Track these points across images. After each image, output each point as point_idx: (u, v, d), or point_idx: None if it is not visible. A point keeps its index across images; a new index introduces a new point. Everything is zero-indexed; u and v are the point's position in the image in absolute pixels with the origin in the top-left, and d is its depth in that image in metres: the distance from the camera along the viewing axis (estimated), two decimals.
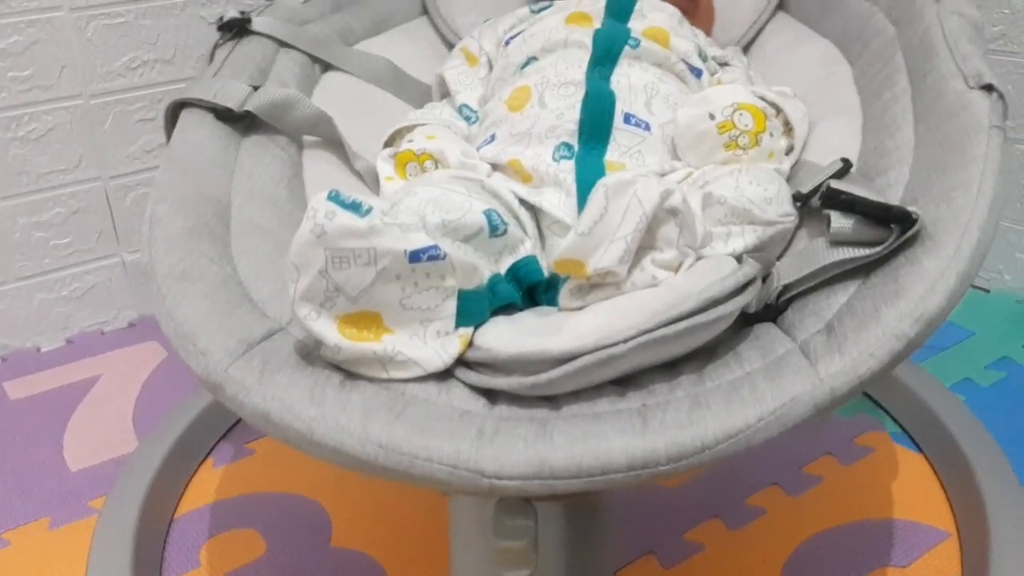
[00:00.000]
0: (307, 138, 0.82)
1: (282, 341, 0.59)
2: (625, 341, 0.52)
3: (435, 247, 0.55)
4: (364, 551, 0.90)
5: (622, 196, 0.56)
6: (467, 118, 0.89)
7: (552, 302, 0.68)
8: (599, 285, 0.58)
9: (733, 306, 0.54)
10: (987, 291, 1.32)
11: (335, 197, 0.54)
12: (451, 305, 0.57)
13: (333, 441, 0.51)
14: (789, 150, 0.77)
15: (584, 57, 0.81)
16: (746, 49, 1.01)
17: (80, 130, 1.22)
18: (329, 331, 0.54)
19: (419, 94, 0.97)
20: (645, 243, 0.57)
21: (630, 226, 0.56)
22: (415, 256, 0.54)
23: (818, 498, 0.94)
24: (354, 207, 0.54)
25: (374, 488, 0.96)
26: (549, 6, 0.94)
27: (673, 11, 0.90)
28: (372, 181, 0.82)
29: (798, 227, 0.69)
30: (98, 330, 1.30)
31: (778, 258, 0.67)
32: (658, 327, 0.52)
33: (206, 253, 0.65)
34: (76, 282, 1.27)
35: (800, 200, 0.68)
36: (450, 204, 0.63)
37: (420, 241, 0.54)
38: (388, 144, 0.84)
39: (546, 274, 0.69)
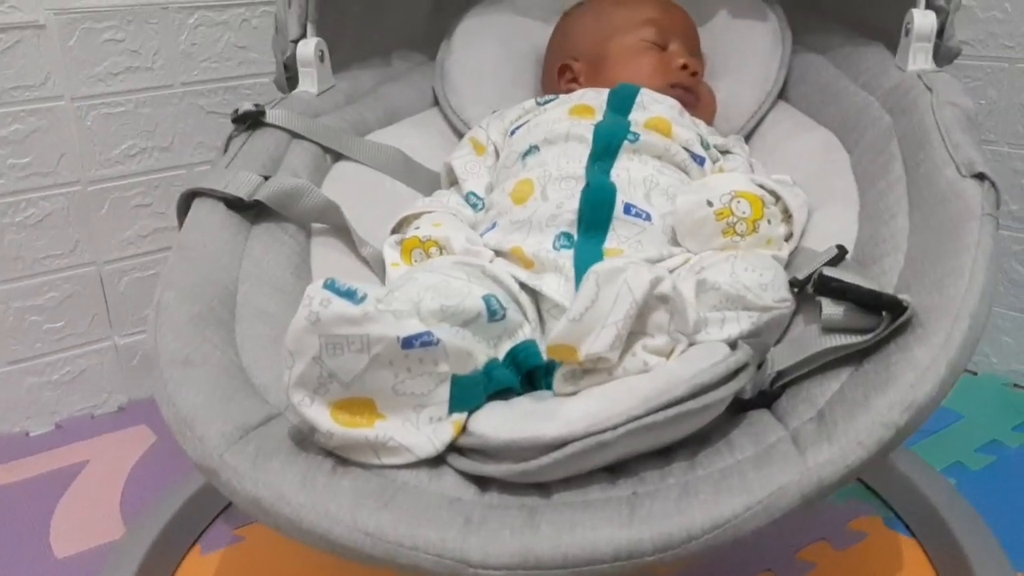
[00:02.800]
0: (315, 225, 0.84)
1: (278, 427, 0.59)
2: (615, 428, 0.52)
3: (428, 333, 0.56)
4: None
5: (613, 283, 0.57)
6: (473, 205, 0.91)
7: (552, 386, 0.69)
8: (592, 371, 0.58)
9: (724, 392, 0.54)
10: (975, 374, 1.32)
11: (331, 285, 0.55)
12: (444, 391, 0.58)
13: (321, 529, 0.51)
14: (788, 237, 0.78)
15: (584, 151, 0.83)
16: (748, 137, 1.03)
17: (77, 216, 1.24)
18: (322, 417, 0.55)
19: (428, 182, 0.99)
20: (637, 329, 0.58)
21: (620, 312, 0.56)
22: (408, 342, 0.55)
23: None
24: (349, 294, 0.55)
25: None
26: (554, 99, 0.96)
27: (673, 103, 0.92)
28: (379, 267, 0.83)
29: (795, 313, 0.69)
30: (88, 414, 1.30)
31: (776, 343, 0.68)
32: (648, 413, 0.52)
33: (210, 339, 0.66)
34: (67, 366, 1.28)
35: (797, 286, 0.69)
36: (449, 290, 0.64)
37: (413, 327, 0.56)
38: (395, 230, 0.86)
39: (545, 358, 0.69)
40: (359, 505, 0.51)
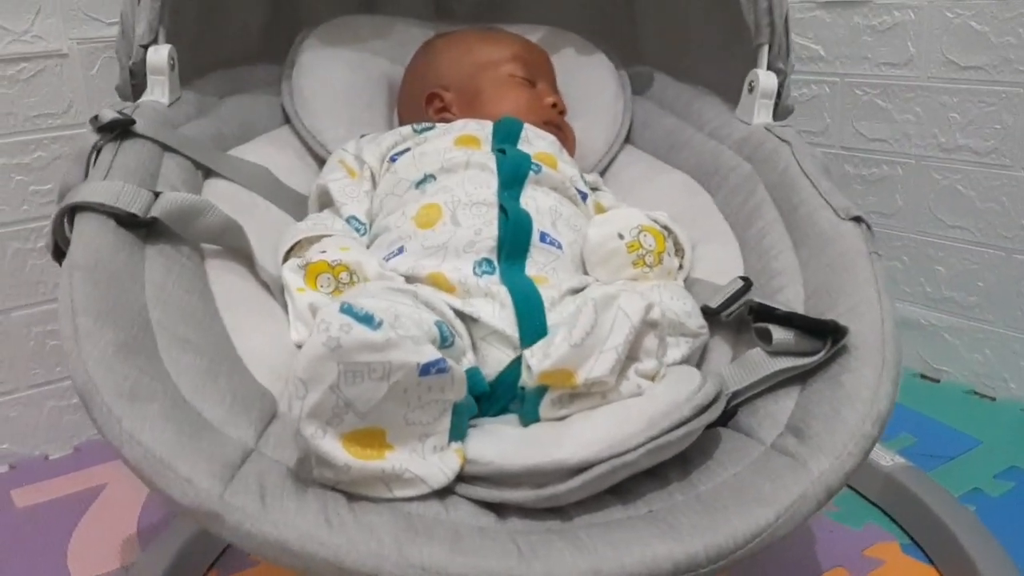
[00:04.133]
0: (206, 247, 0.78)
1: (261, 464, 0.55)
2: (636, 448, 0.54)
3: (443, 360, 0.55)
4: None
5: (609, 308, 0.59)
6: (356, 230, 0.89)
7: (489, 412, 0.69)
8: (583, 395, 0.60)
9: (715, 412, 0.59)
10: (993, 399, 1.31)
11: (348, 309, 0.53)
12: (447, 419, 0.57)
13: (368, 568, 0.48)
14: (679, 269, 0.85)
15: (490, 179, 0.85)
16: (601, 175, 1.09)
17: None
18: (337, 450, 0.52)
19: (295, 203, 0.95)
20: (629, 354, 0.60)
21: (620, 337, 0.59)
22: (425, 369, 0.54)
23: None
24: (367, 320, 0.52)
25: None
26: (432, 127, 0.96)
27: (553, 139, 0.96)
28: (278, 292, 0.78)
29: (710, 338, 0.75)
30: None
31: (697, 367, 0.74)
32: (662, 434, 0.55)
33: (145, 370, 0.59)
34: None
35: (710, 314, 0.75)
36: (402, 316, 0.63)
37: (430, 354, 0.54)
38: (288, 255, 0.81)
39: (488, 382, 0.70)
40: (401, 540, 0.49)
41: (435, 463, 0.55)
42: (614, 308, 0.59)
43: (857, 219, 0.78)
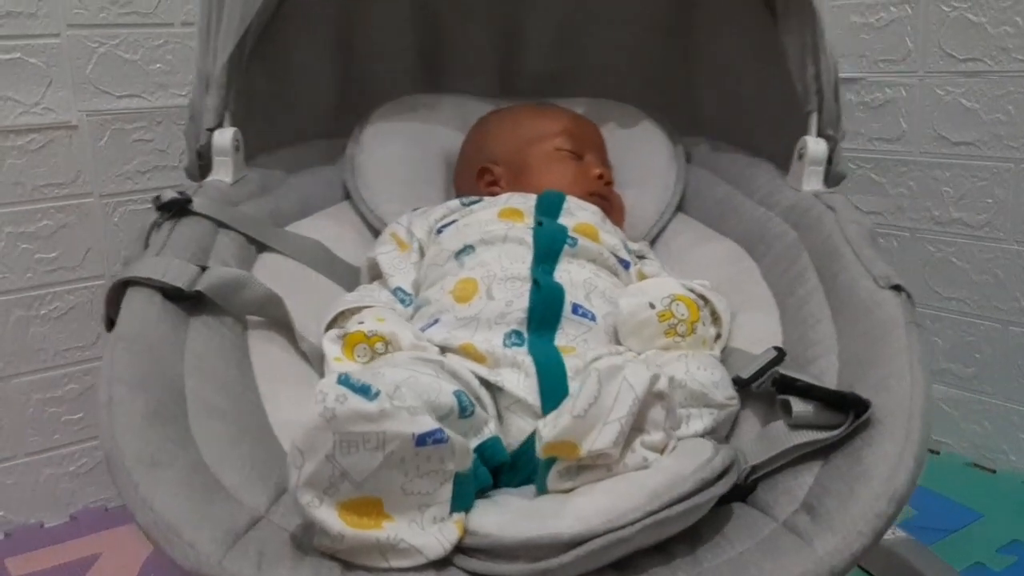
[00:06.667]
0: (251, 318, 0.81)
1: (267, 530, 0.57)
2: (633, 523, 0.53)
3: (440, 430, 0.56)
4: None
5: (613, 379, 0.59)
6: (402, 301, 0.91)
7: (511, 483, 0.69)
8: (589, 467, 0.60)
9: (723, 487, 0.57)
10: (993, 471, 1.31)
11: (345, 380, 0.54)
12: (448, 489, 0.57)
13: None
14: (716, 338, 0.83)
15: (525, 253, 0.86)
16: (652, 244, 1.09)
17: (100, 309, 1.24)
18: (332, 519, 0.53)
19: (349, 276, 0.99)
20: (635, 425, 0.60)
21: (623, 409, 0.58)
22: (422, 440, 0.55)
23: None
24: (364, 390, 0.54)
25: None
26: (480, 201, 0.99)
27: (596, 210, 0.97)
28: (317, 362, 0.81)
29: (742, 409, 0.74)
30: (102, 506, 1.31)
31: (725, 439, 0.72)
32: (661, 508, 0.54)
33: (170, 437, 0.62)
34: (84, 457, 1.30)
35: (741, 384, 0.73)
36: (420, 385, 0.64)
37: (427, 424, 0.55)
38: (331, 325, 0.84)
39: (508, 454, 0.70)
40: None
41: (433, 534, 0.55)
42: (619, 379, 0.59)
43: (897, 288, 0.76)
